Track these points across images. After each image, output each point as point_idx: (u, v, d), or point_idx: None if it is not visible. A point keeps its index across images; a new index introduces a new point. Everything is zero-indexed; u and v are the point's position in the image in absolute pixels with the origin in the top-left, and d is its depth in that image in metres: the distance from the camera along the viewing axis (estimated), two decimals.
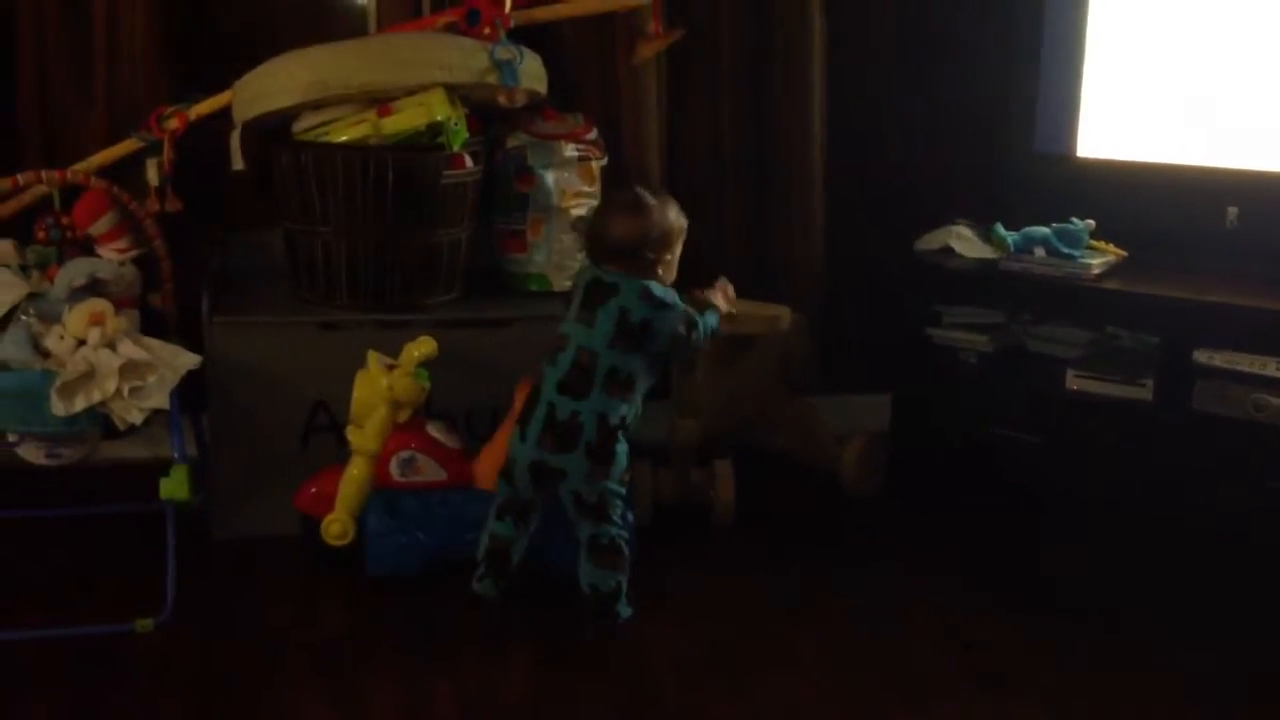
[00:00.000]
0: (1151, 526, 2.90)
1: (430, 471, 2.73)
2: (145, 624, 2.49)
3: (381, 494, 2.70)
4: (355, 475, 2.68)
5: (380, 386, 2.66)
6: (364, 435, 2.68)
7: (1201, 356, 2.88)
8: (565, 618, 2.58)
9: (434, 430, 2.75)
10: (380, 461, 2.69)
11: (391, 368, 2.69)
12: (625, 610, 2.57)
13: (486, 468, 2.71)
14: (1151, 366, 2.96)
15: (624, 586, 2.57)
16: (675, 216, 2.60)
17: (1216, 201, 3.06)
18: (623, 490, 2.56)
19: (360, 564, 2.68)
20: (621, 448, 2.54)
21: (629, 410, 2.53)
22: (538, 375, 2.56)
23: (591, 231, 2.60)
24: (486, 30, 2.91)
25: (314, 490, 2.74)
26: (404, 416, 2.70)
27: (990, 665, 2.46)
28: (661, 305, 2.54)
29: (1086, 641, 2.55)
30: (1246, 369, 2.84)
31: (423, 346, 2.73)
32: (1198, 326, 2.89)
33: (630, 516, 2.73)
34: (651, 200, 2.58)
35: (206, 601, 2.60)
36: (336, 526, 2.66)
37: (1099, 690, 2.39)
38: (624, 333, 2.51)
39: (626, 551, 2.56)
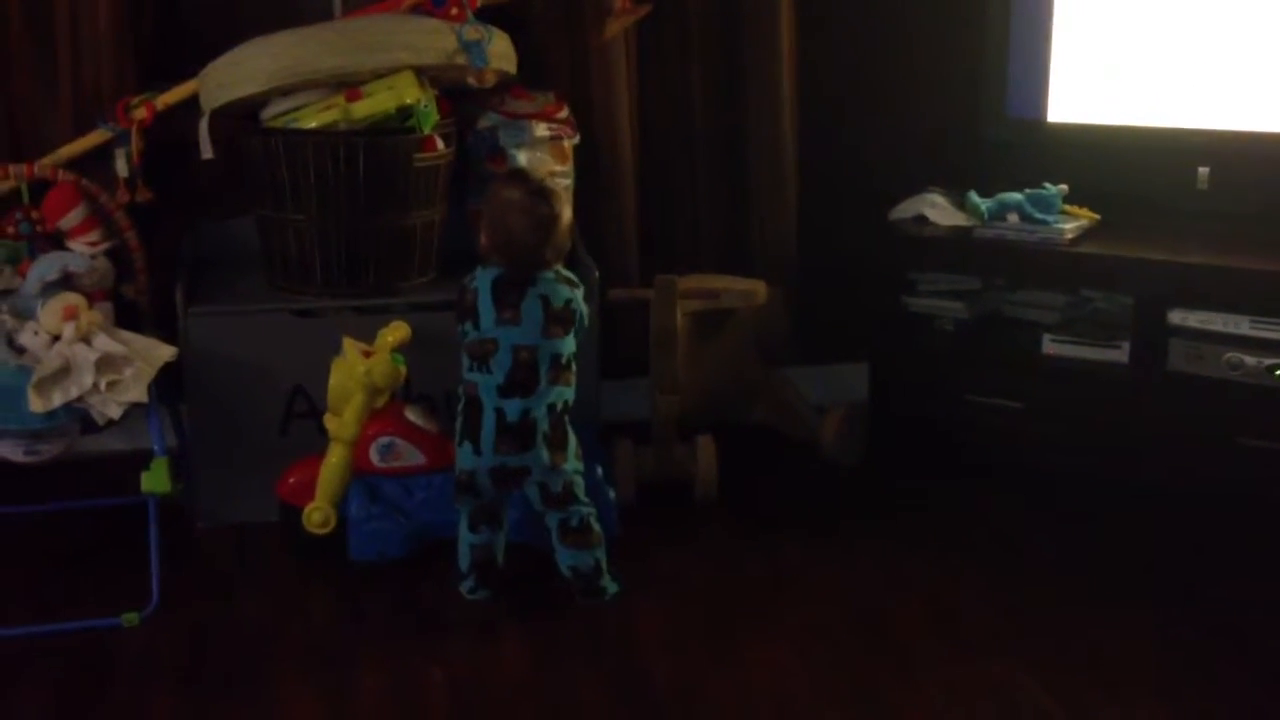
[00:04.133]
0: (1129, 487, 2.92)
1: (410, 456, 2.72)
2: (131, 618, 2.49)
3: (362, 480, 2.70)
4: (334, 463, 2.67)
5: (357, 372, 2.65)
6: (341, 423, 2.67)
7: (1176, 317, 2.89)
8: (552, 597, 2.58)
9: (412, 414, 2.73)
10: (359, 448, 2.69)
11: (367, 353, 2.68)
12: (611, 586, 2.58)
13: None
14: (1127, 329, 2.98)
15: (604, 561, 2.57)
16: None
17: (1187, 162, 3.07)
18: (581, 466, 2.56)
19: (343, 551, 2.68)
20: (569, 428, 2.54)
21: (571, 392, 2.53)
22: (470, 387, 2.51)
23: (520, 245, 2.47)
24: (454, 10, 2.89)
25: (293, 480, 2.73)
26: (381, 402, 2.70)
27: (974, 632, 2.48)
28: (575, 283, 2.54)
29: (1068, 605, 2.57)
30: (1220, 328, 2.85)
31: (396, 332, 2.72)
32: (1172, 287, 2.90)
33: (611, 494, 2.74)
34: (549, 192, 2.52)
35: (192, 593, 2.60)
36: (318, 515, 2.66)
37: (1081, 652, 2.41)
38: (553, 318, 2.49)
39: (596, 526, 2.56)
